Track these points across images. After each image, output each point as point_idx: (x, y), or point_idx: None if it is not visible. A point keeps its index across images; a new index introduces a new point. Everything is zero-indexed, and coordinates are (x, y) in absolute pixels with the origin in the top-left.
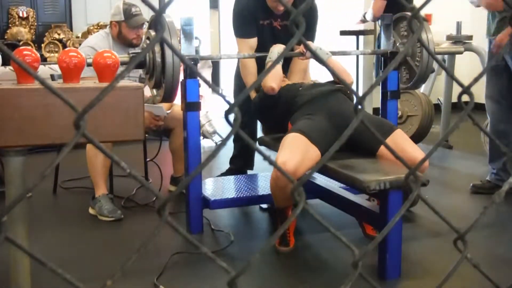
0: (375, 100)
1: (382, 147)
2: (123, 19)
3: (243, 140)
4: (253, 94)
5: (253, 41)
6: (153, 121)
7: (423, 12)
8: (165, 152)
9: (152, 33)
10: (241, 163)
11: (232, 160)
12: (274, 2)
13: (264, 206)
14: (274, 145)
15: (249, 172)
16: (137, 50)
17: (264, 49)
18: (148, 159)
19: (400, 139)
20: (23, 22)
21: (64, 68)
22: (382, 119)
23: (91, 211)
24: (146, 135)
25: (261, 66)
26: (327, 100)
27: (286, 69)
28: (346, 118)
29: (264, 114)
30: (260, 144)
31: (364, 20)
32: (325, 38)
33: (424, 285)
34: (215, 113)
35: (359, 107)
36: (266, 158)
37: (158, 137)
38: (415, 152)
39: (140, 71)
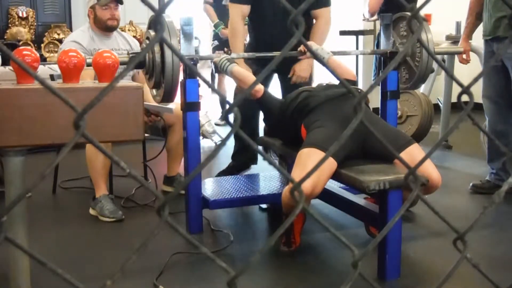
0: (375, 100)
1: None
2: (95, 2)
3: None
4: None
5: (246, 8)
6: (145, 117)
7: (422, 12)
8: (164, 153)
9: (152, 33)
10: (243, 159)
11: (233, 157)
12: None
13: (264, 206)
14: (274, 145)
15: (249, 170)
16: (119, 34)
17: (262, 20)
18: (146, 160)
19: (416, 153)
20: (23, 22)
21: (64, 68)
22: (400, 132)
23: (91, 211)
24: (146, 134)
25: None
26: (341, 104)
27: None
28: (363, 125)
29: (272, 117)
30: (260, 144)
31: (367, 19)
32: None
33: (424, 285)
34: (214, 113)
35: (360, 106)
36: (266, 158)
37: (157, 135)
38: (430, 167)
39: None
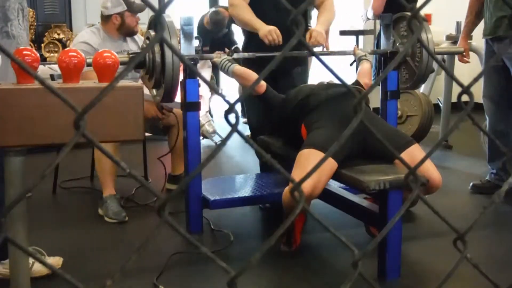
0: (375, 100)
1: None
2: (125, 9)
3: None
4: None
5: None
6: (158, 112)
7: (423, 12)
8: (164, 153)
9: (152, 33)
10: None
11: None
12: None
13: (264, 206)
14: (274, 145)
15: (250, 171)
16: (135, 41)
17: (262, 15)
18: (159, 157)
19: (417, 154)
20: None
21: (64, 68)
22: (400, 132)
23: (99, 211)
24: (146, 134)
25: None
26: (342, 104)
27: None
28: (363, 125)
29: (273, 114)
30: (259, 144)
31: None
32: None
33: (424, 285)
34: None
35: (360, 106)
36: (267, 158)
37: (157, 135)
38: (430, 167)
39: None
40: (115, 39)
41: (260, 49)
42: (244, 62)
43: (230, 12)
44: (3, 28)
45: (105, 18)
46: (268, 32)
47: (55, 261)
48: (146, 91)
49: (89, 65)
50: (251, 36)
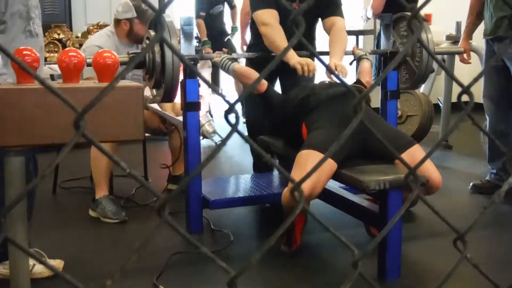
0: (375, 100)
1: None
2: (135, 16)
3: None
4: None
5: (276, 13)
6: (162, 125)
7: (423, 12)
8: (164, 153)
9: (152, 33)
10: None
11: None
12: None
13: (264, 206)
14: (274, 145)
15: (249, 171)
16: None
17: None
18: (163, 165)
19: (418, 155)
20: None
21: (64, 68)
22: (401, 132)
23: (92, 213)
24: (146, 134)
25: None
26: (343, 104)
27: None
28: (363, 125)
29: (274, 113)
30: (259, 145)
31: (367, 18)
32: (324, 38)
33: (424, 285)
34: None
35: (360, 106)
36: (266, 158)
37: (157, 135)
38: (430, 168)
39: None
40: (125, 44)
41: (265, 49)
42: (248, 62)
43: (263, 30)
44: (26, 27)
45: (116, 22)
46: (299, 62)
47: (56, 264)
48: (150, 98)
49: (89, 65)
50: (258, 36)
